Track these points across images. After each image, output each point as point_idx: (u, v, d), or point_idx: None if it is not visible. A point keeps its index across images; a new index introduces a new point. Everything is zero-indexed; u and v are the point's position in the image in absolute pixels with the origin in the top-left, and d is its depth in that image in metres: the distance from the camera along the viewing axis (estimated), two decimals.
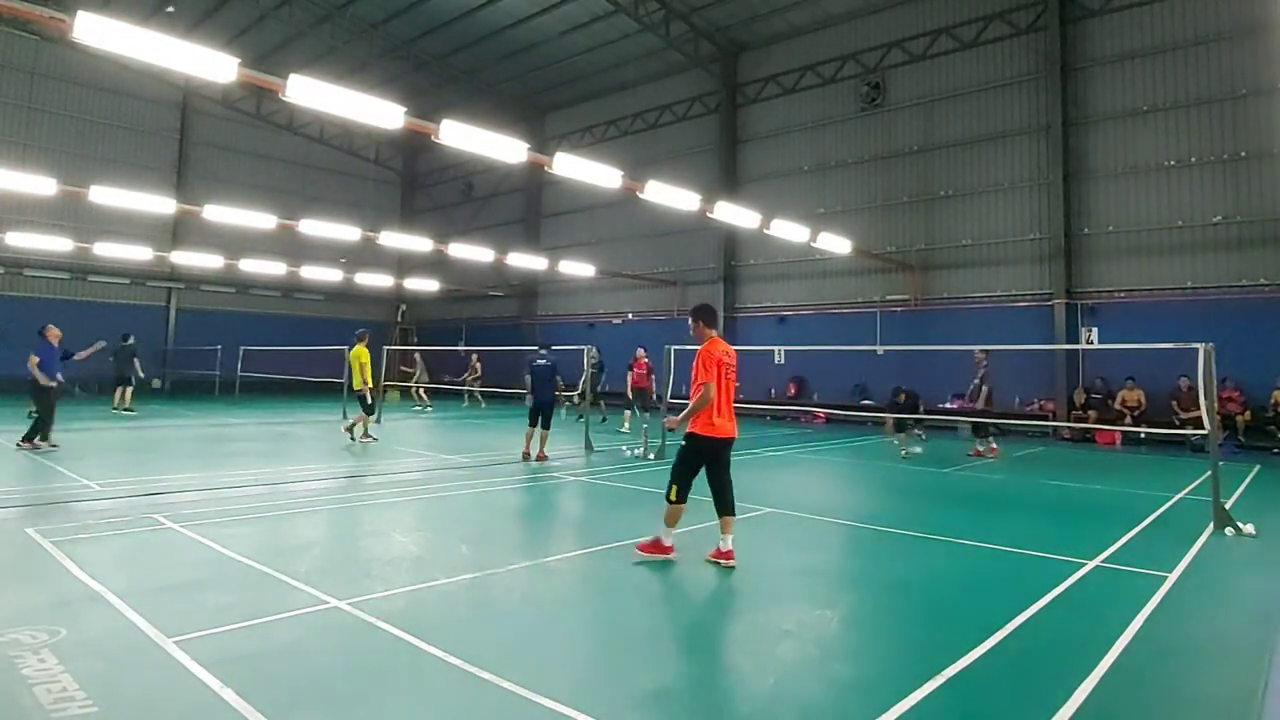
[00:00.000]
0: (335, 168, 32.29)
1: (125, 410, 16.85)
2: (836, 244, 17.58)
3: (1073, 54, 17.17)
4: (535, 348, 12.75)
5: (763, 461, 12.04)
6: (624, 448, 12.79)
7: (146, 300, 27.26)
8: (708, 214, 14.34)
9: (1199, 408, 9.09)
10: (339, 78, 22.33)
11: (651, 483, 8.78)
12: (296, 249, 28.21)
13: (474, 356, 23.21)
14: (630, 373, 16.63)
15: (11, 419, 13.73)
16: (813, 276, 21.33)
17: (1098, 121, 16.86)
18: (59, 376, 10.75)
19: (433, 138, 9.48)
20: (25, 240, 21.80)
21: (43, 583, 4.65)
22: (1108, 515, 7.76)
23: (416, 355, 23.80)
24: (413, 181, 34.80)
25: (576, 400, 19.61)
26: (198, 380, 26.29)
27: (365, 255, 29.98)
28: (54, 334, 11.12)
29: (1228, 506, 7.15)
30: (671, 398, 12.09)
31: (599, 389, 18.06)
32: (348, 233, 18.40)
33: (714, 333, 5.85)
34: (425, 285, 29.14)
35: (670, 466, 5.74)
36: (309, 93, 8.32)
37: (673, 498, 5.57)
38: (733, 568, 5.38)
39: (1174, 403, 14.60)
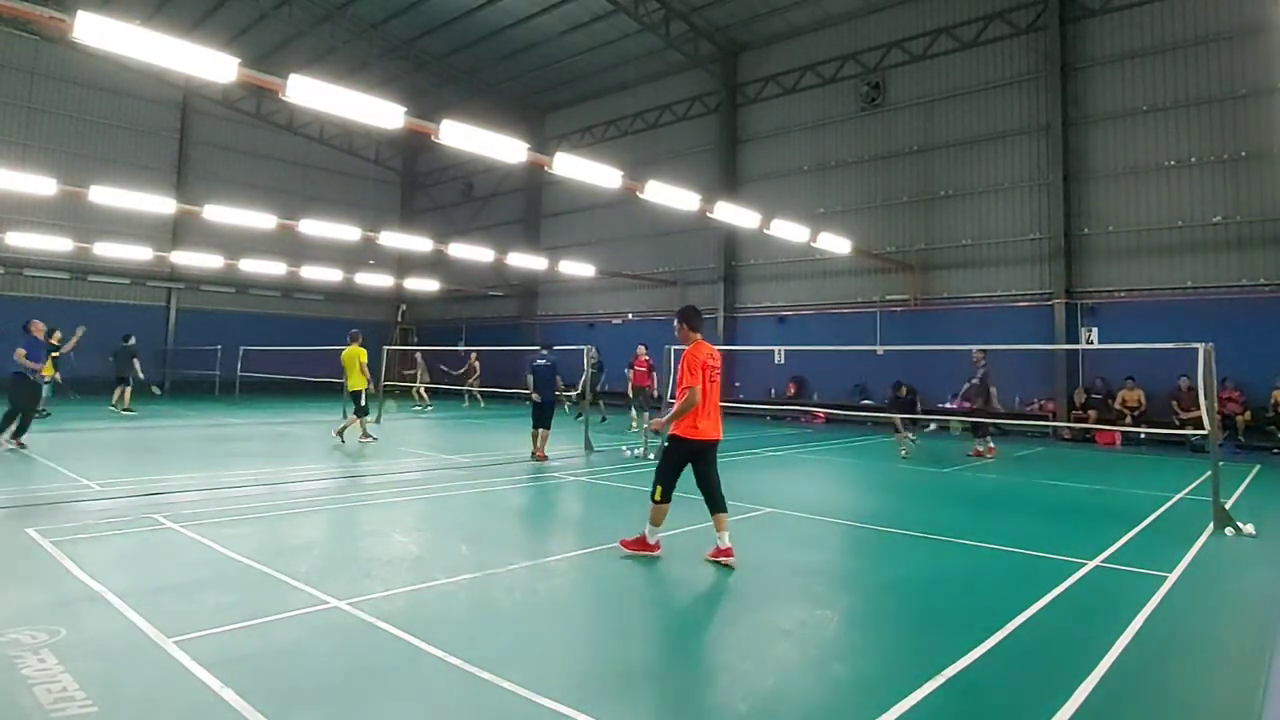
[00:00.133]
0: (335, 168, 32.30)
1: (125, 411, 16.85)
2: (836, 244, 17.58)
3: (1073, 54, 17.17)
4: (536, 348, 12.75)
5: (763, 461, 12.05)
6: (624, 448, 12.79)
7: (146, 300, 27.27)
8: (708, 214, 14.34)
9: (1199, 408, 9.09)
10: (339, 78, 22.32)
11: (651, 483, 8.77)
12: (296, 249, 28.23)
13: (473, 356, 23.21)
14: (631, 371, 16.63)
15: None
16: (813, 276, 21.33)
17: (1098, 121, 16.86)
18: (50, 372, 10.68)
19: (433, 138, 9.48)
20: (25, 240, 21.81)
21: (43, 583, 4.65)
22: (1108, 515, 7.76)
23: (418, 355, 23.80)
24: (413, 181, 34.81)
25: (575, 400, 19.62)
26: (198, 380, 26.29)
27: (365, 255, 30.00)
28: (38, 328, 10.95)
29: (1228, 506, 7.15)
30: (671, 398, 12.08)
31: (598, 389, 18.06)
32: (348, 233, 18.41)
33: (698, 335, 5.86)
34: (425, 285, 29.15)
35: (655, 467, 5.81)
36: (309, 93, 8.32)
37: (657, 497, 5.65)
38: (732, 566, 5.39)
39: (1174, 403, 14.60)
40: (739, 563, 5.47)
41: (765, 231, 15.73)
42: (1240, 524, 6.81)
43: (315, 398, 23.17)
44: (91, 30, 6.71)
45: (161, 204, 16.40)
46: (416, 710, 3.14)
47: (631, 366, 16.66)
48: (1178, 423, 14.02)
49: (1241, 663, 3.87)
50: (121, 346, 17.46)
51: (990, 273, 18.23)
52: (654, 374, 16.27)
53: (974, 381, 12.71)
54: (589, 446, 12.45)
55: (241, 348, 24.07)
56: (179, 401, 22.30)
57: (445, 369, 23.75)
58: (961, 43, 18.81)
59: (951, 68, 19.01)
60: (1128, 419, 15.25)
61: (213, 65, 7.49)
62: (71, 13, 6.68)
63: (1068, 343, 16.59)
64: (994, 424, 13.05)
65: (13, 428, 10.47)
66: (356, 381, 12.59)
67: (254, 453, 11.72)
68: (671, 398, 6.65)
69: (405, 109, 9.07)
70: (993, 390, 12.68)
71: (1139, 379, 15.42)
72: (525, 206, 29.45)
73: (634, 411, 16.49)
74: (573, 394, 19.17)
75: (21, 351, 10.50)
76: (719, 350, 5.99)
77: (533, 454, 11.30)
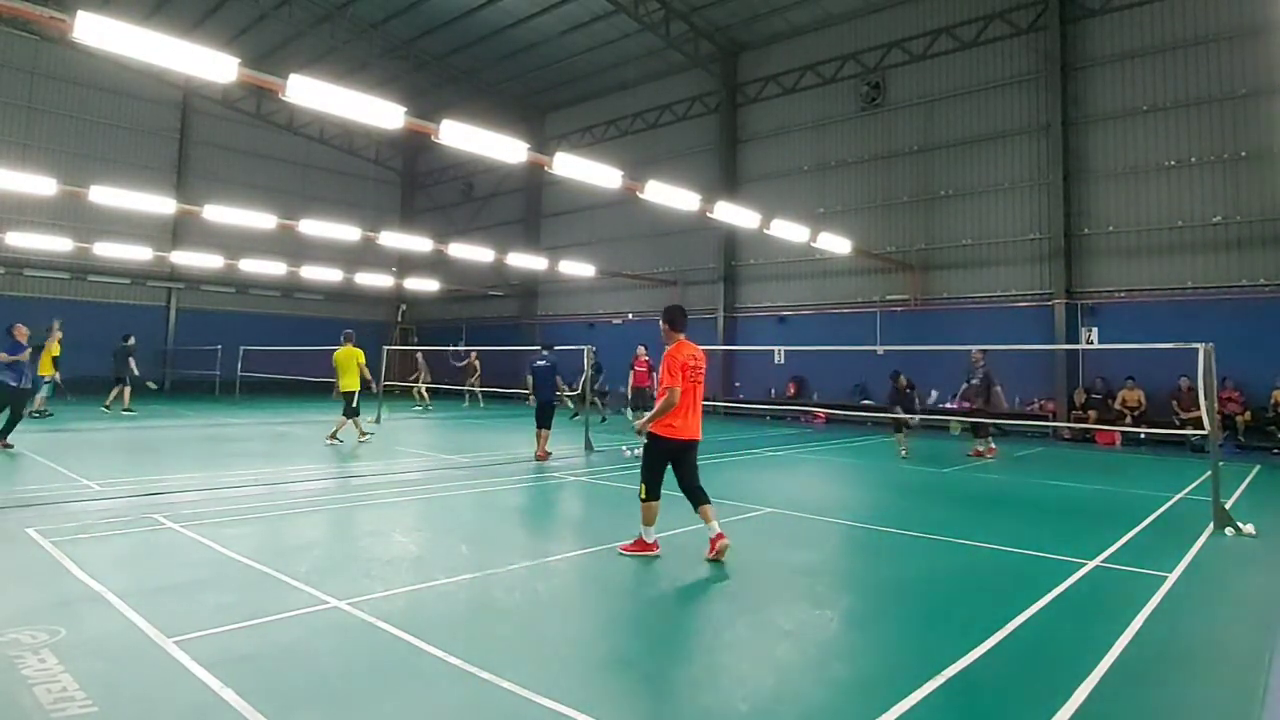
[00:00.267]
0: (335, 168, 32.30)
1: (125, 410, 16.85)
2: (836, 244, 17.59)
3: (1073, 54, 17.17)
4: (536, 348, 12.75)
5: (763, 461, 12.05)
6: (624, 448, 12.78)
7: (146, 300, 27.27)
8: (708, 214, 14.34)
9: (1199, 408, 9.09)
10: (339, 78, 22.32)
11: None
12: (296, 249, 28.24)
13: (473, 355, 23.21)
14: (632, 372, 16.64)
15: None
16: (813, 276, 21.33)
17: (1098, 121, 16.86)
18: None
19: (433, 138, 9.48)
20: (25, 240, 21.81)
21: (43, 583, 4.65)
22: (1108, 515, 7.76)
23: (419, 356, 23.80)
24: (413, 181, 34.80)
25: (572, 404, 19.64)
26: (198, 380, 26.31)
27: (365, 255, 30.00)
28: (21, 332, 10.86)
29: (1228, 506, 7.14)
30: (653, 398, 12.08)
31: (595, 389, 18.06)
32: (348, 233, 18.41)
33: (681, 335, 5.90)
34: (425, 285, 29.15)
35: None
36: (309, 93, 8.32)
37: (644, 496, 5.72)
38: (727, 545, 5.49)
39: (1174, 403, 14.60)
40: (739, 563, 5.47)
41: (765, 231, 15.73)
42: (1240, 524, 6.81)
43: (315, 398, 23.17)
44: (91, 30, 6.71)
45: (161, 204, 16.40)
46: (416, 710, 3.14)
47: (633, 368, 16.68)
48: (1178, 423, 14.02)
49: (1241, 663, 3.86)
50: (120, 346, 17.47)
51: (990, 273, 18.23)
52: (654, 374, 16.28)
53: (974, 382, 12.71)
54: (589, 446, 12.46)
55: (241, 348, 24.09)
56: (179, 401, 22.30)
57: (452, 361, 23.78)
58: (961, 43, 18.81)
59: (951, 68, 19.01)
60: (1128, 419, 15.25)
61: (213, 65, 7.49)
62: (71, 13, 6.69)
63: (1068, 343, 16.59)
64: (994, 424, 13.03)
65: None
66: (350, 382, 12.38)
67: (254, 453, 11.71)
68: (653, 398, 6.71)
69: (405, 109, 9.07)
70: (997, 390, 12.70)
71: (1139, 379, 15.42)
72: (525, 206, 29.45)
73: (630, 413, 16.51)
74: (571, 394, 19.18)
75: (4, 356, 10.49)
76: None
77: (537, 455, 11.33)
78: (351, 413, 12.45)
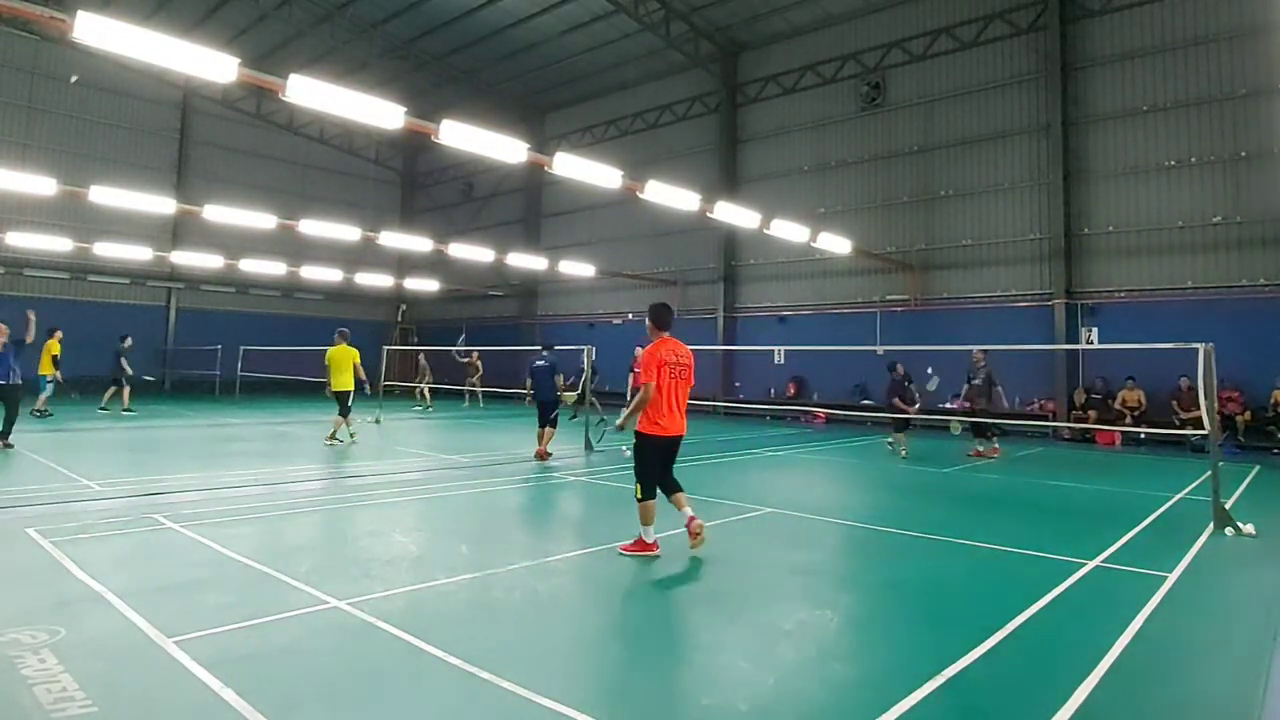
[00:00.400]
0: (335, 168, 32.30)
1: (125, 410, 16.86)
2: (836, 244, 17.58)
3: (1073, 54, 17.17)
4: (537, 348, 12.76)
5: (763, 461, 12.04)
6: (624, 448, 12.77)
7: (146, 300, 27.27)
8: (708, 214, 14.33)
9: (1199, 408, 9.09)
10: (339, 78, 22.33)
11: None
12: (296, 249, 28.23)
13: (474, 354, 23.19)
14: (632, 374, 16.63)
15: None
16: (813, 276, 21.33)
17: (1098, 121, 16.86)
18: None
19: (433, 138, 9.48)
20: (25, 240, 21.80)
21: (43, 583, 4.65)
22: (1108, 515, 7.76)
23: (421, 357, 23.79)
24: (413, 181, 34.80)
25: (571, 404, 19.62)
26: (198, 380, 26.32)
27: (365, 255, 30.00)
28: (2, 330, 10.81)
29: (1228, 506, 7.14)
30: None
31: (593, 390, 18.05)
32: (348, 233, 18.41)
33: (664, 333, 5.95)
34: (425, 285, 29.15)
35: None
36: (309, 93, 8.32)
37: (640, 496, 5.75)
38: (702, 526, 5.65)
39: (1174, 403, 14.60)
40: (739, 563, 5.49)
41: (765, 231, 15.72)
42: (1240, 524, 6.81)
43: (315, 398, 23.13)
44: (91, 30, 6.71)
45: (161, 204, 16.39)
46: (416, 710, 3.14)
47: (633, 368, 16.67)
48: (1178, 423, 14.03)
49: (1241, 663, 3.86)
50: (118, 347, 17.48)
51: (990, 273, 18.23)
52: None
53: (975, 382, 12.70)
54: (589, 446, 12.46)
55: (241, 348, 24.09)
56: (179, 401, 22.30)
57: (457, 357, 23.78)
58: (961, 43, 18.81)
59: (951, 68, 19.01)
60: (1128, 419, 15.25)
61: (213, 65, 7.49)
62: (71, 13, 6.68)
63: (1068, 343, 16.59)
64: (995, 425, 13.02)
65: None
66: (345, 382, 12.28)
67: (254, 453, 11.71)
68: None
69: (405, 109, 9.07)
70: (999, 389, 12.70)
71: (1139, 379, 15.42)
72: (525, 206, 29.45)
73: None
74: (571, 394, 19.17)
75: None
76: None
77: (536, 453, 11.35)
78: (344, 412, 12.40)
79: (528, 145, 10.54)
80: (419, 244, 21.72)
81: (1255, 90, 14.95)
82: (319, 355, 12.80)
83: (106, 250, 22.14)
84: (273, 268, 25.28)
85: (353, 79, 24.44)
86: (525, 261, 23.92)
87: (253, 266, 24.78)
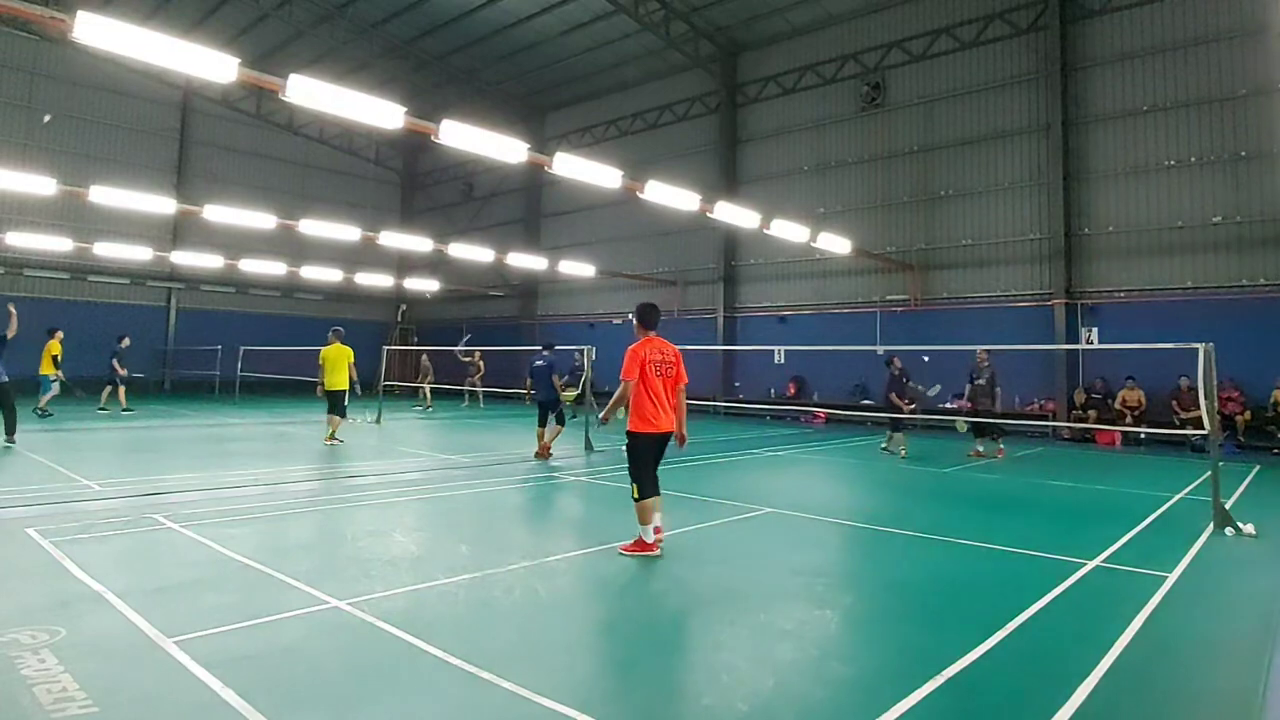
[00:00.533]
0: (335, 168, 32.30)
1: (124, 410, 16.87)
2: (836, 244, 17.58)
3: (1073, 54, 17.17)
4: (538, 348, 12.76)
5: (763, 461, 12.04)
6: (624, 448, 12.78)
7: (146, 300, 27.27)
8: (708, 214, 14.34)
9: (1199, 408, 9.09)
10: (339, 78, 22.33)
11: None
12: (296, 249, 28.23)
13: (476, 354, 23.19)
14: None
15: None
16: (813, 276, 21.33)
17: (1098, 121, 16.86)
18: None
19: (433, 138, 9.48)
20: (25, 240, 21.82)
21: (43, 583, 4.65)
22: (1108, 515, 7.76)
23: (425, 357, 23.78)
24: (413, 181, 34.80)
25: (571, 403, 19.61)
26: (198, 380, 26.31)
27: (365, 255, 29.99)
28: None
29: (1228, 506, 7.14)
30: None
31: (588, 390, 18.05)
32: (348, 233, 18.41)
33: (650, 332, 6.03)
34: (425, 285, 29.14)
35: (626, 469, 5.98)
36: (309, 93, 8.32)
37: (636, 496, 5.78)
38: (660, 540, 5.77)
39: (1174, 403, 14.59)
40: (739, 563, 5.48)
41: (765, 231, 15.73)
42: (1240, 524, 6.81)
43: (315, 398, 23.13)
44: (91, 30, 6.71)
45: (161, 204, 16.40)
46: (416, 710, 3.13)
47: None
48: (1178, 423, 14.02)
49: (1241, 663, 3.87)
50: (115, 348, 17.48)
51: (990, 273, 18.23)
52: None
53: (980, 382, 12.68)
54: (589, 446, 12.46)
55: (241, 348, 24.08)
56: (179, 401, 22.30)
57: (459, 355, 23.79)
58: (962, 43, 18.81)
59: (952, 68, 19.01)
60: (1128, 419, 15.25)
61: (213, 65, 7.49)
62: (71, 13, 6.69)
63: (1068, 343, 16.59)
64: (997, 425, 12.99)
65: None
66: (339, 381, 12.26)
67: (254, 453, 11.71)
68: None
69: (405, 109, 9.07)
70: (998, 391, 12.71)
71: (1139, 379, 15.42)
72: (525, 206, 29.45)
73: (623, 413, 16.49)
74: (571, 394, 19.16)
75: None
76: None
77: (535, 452, 11.36)
78: (341, 411, 12.39)
79: (528, 145, 10.54)
80: (419, 244, 21.71)
81: (1255, 90, 14.95)
82: (318, 355, 12.77)
83: (106, 250, 22.16)
84: (273, 268, 25.29)
85: (353, 79, 24.45)
86: (525, 261, 23.92)
87: (253, 266, 24.79)
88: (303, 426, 15.68)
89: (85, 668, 3.37)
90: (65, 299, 24.68)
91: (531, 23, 22.43)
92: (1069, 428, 16.11)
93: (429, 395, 22.61)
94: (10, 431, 10.80)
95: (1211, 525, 6.90)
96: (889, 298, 19.75)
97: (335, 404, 12.34)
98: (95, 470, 9.04)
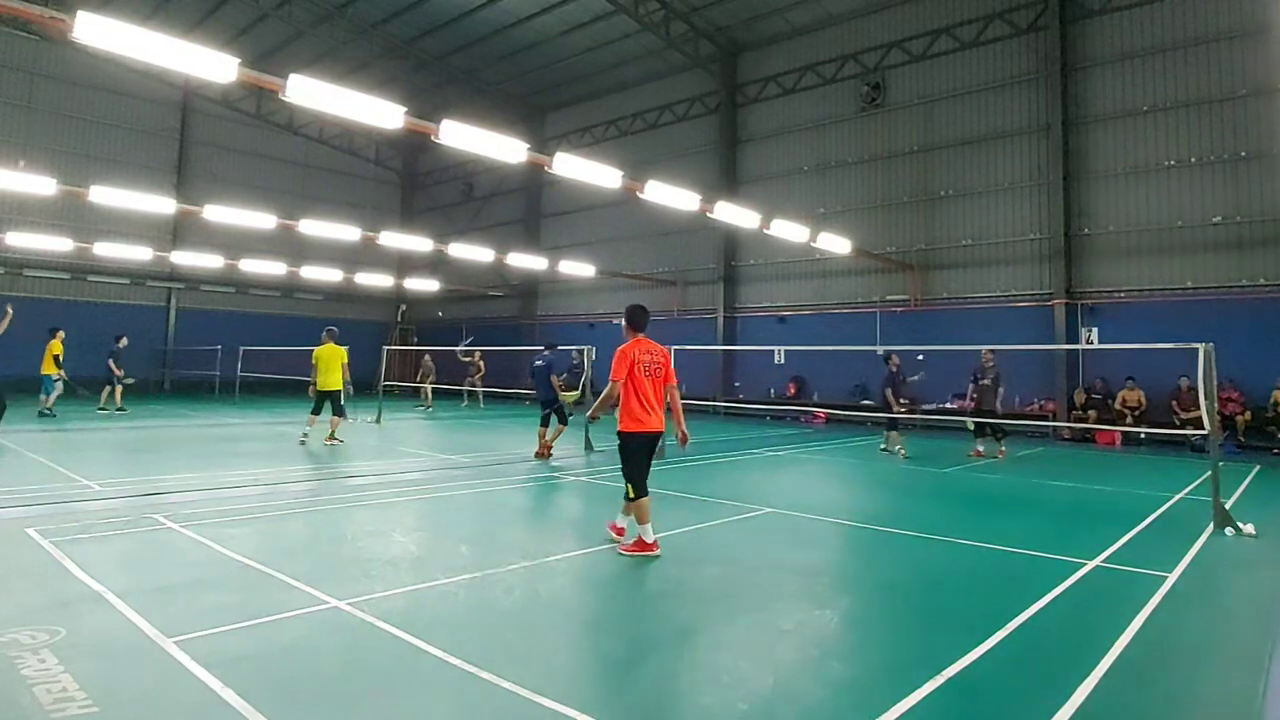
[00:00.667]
0: (335, 168, 32.30)
1: (117, 410, 16.87)
2: (836, 244, 17.58)
3: (1073, 54, 17.17)
4: (539, 348, 12.78)
5: (763, 461, 12.04)
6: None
7: (146, 300, 27.27)
8: (708, 214, 14.33)
9: (1199, 408, 9.09)
10: (339, 78, 22.32)
11: (651, 482, 8.77)
12: (296, 249, 28.23)
13: (477, 354, 23.19)
14: None
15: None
16: (813, 276, 21.33)
17: (1098, 121, 16.86)
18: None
19: (433, 138, 9.48)
20: (25, 240, 21.82)
21: (43, 583, 4.64)
22: (1108, 515, 7.76)
23: (427, 357, 23.79)
24: (413, 181, 34.80)
25: (571, 402, 19.62)
26: (198, 380, 26.31)
27: (365, 255, 29.98)
28: None
29: (1228, 506, 7.14)
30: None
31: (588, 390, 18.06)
32: (348, 233, 18.41)
33: (638, 334, 6.09)
34: (425, 285, 29.14)
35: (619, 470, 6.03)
36: (309, 93, 8.32)
37: (631, 495, 5.82)
38: (616, 542, 5.88)
39: (1174, 403, 14.59)
40: (739, 563, 5.47)
41: (765, 231, 15.72)
42: (1240, 524, 6.81)
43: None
44: (91, 30, 6.71)
45: (161, 204, 16.40)
46: (416, 710, 3.14)
47: None
48: (1178, 423, 14.02)
49: (1241, 663, 3.86)
50: (113, 348, 17.48)
51: (990, 273, 18.23)
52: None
53: (985, 382, 12.66)
54: (589, 446, 12.46)
55: (241, 348, 24.08)
56: (179, 401, 22.30)
57: (460, 356, 23.78)
58: (962, 43, 18.81)
59: (952, 68, 19.01)
60: (1128, 419, 15.25)
61: (213, 65, 7.49)
62: (71, 13, 6.68)
63: (1068, 343, 16.58)
64: (999, 426, 12.98)
65: None
66: (333, 381, 12.19)
67: (254, 453, 11.71)
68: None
69: (405, 109, 9.07)
70: (1001, 391, 12.73)
71: (1139, 379, 15.41)
72: (525, 206, 29.45)
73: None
74: (571, 394, 19.17)
75: None
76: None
77: (536, 452, 11.37)
78: (340, 410, 12.38)
79: (527, 145, 10.54)
80: (419, 244, 21.72)
81: (1255, 90, 14.95)
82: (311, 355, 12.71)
83: (106, 250, 22.15)
84: (273, 268, 25.29)
85: (353, 79, 24.45)
86: (525, 261, 23.91)
87: (253, 267, 24.78)
88: (302, 426, 15.64)
89: (85, 667, 3.37)
90: (65, 299, 24.69)
91: (531, 23, 22.43)
92: (1069, 428, 16.11)
93: (430, 395, 22.61)
94: None
95: (1211, 525, 6.90)
96: (889, 298, 19.75)
97: (333, 403, 12.29)
98: (95, 470, 9.04)
